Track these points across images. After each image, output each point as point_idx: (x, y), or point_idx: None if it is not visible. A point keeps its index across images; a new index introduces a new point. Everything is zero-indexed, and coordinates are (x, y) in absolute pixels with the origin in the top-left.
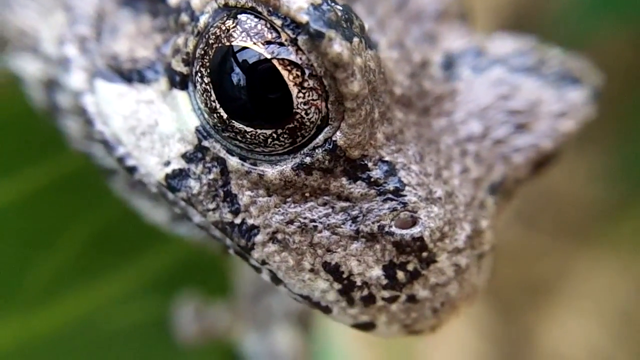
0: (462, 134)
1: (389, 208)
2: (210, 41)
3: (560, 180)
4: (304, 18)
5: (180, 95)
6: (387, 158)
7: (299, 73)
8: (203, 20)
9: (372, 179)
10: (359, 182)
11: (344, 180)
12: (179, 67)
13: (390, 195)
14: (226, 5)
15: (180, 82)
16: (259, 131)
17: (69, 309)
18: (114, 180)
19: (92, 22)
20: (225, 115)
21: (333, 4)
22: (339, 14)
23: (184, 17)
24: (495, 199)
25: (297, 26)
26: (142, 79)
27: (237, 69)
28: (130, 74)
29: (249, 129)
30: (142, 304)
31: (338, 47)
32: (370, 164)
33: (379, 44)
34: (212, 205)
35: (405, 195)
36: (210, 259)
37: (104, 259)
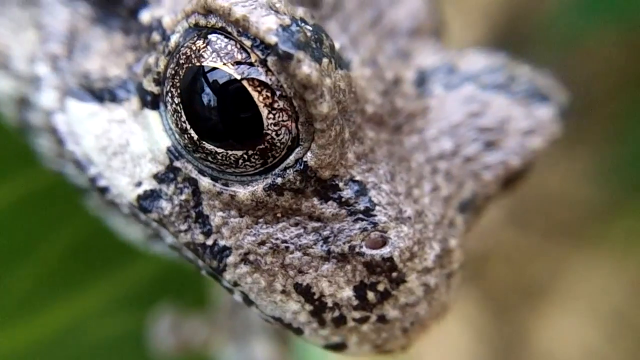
0: (434, 152)
1: (359, 228)
2: (181, 61)
3: (553, 182)
4: (272, 39)
5: (152, 115)
6: (357, 178)
7: (268, 94)
8: (174, 39)
9: (343, 199)
10: (330, 202)
11: (315, 201)
12: (150, 86)
13: (360, 215)
14: (197, 25)
15: (151, 101)
16: (229, 152)
17: (46, 322)
18: (88, 198)
19: (64, 40)
20: (195, 136)
21: (303, 24)
22: (309, 34)
23: (155, 36)
24: (464, 217)
25: (267, 47)
26: (114, 98)
27: (208, 89)
28: (102, 93)
29: (219, 150)
30: (120, 316)
31: (307, 68)
32: (341, 184)
33: (351, 61)
34: (184, 227)
35: (375, 215)
36: (187, 272)
37: (81, 271)
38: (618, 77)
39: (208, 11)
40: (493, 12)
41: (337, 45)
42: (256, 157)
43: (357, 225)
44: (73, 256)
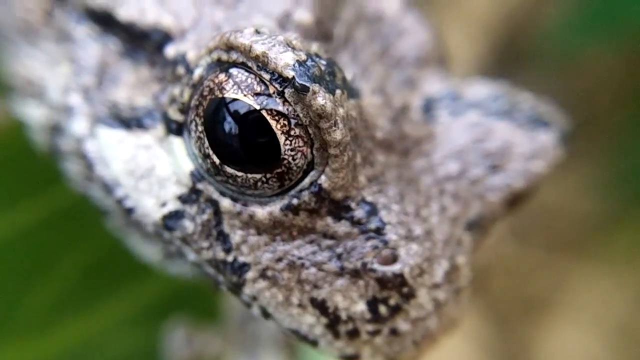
0: (440, 174)
1: (371, 246)
2: (204, 93)
3: (554, 195)
4: (290, 73)
5: (176, 142)
6: (369, 199)
7: (286, 122)
8: (198, 73)
9: (355, 219)
10: (343, 222)
11: (329, 220)
12: (175, 115)
13: (372, 234)
14: (219, 60)
15: (176, 129)
16: (249, 175)
17: (64, 338)
18: (109, 220)
19: (95, 72)
20: (217, 161)
21: (318, 58)
22: (323, 68)
23: (180, 69)
24: (471, 236)
25: (284, 80)
26: (141, 126)
27: (229, 118)
28: (130, 121)
29: (239, 174)
30: (134, 331)
31: (321, 99)
32: (353, 205)
33: (362, 90)
34: (205, 244)
35: (386, 234)
36: (198, 287)
37: (98, 288)
38: (618, 90)
39: (230, 48)
40: (492, 28)
41: (349, 76)
42: (274, 179)
43: (369, 243)
44: (90, 273)
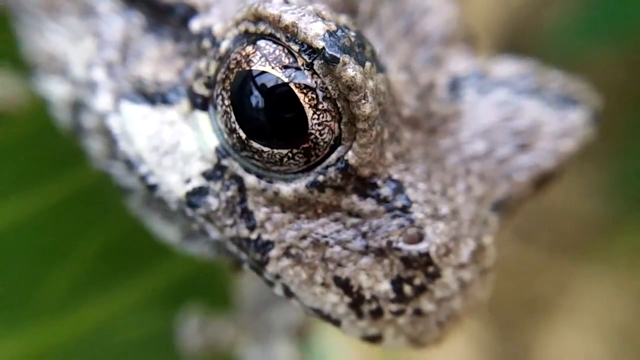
0: (467, 153)
1: (397, 224)
2: (231, 66)
3: (557, 197)
4: (320, 44)
5: (201, 117)
6: (395, 176)
7: (314, 96)
8: (224, 46)
9: (381, 197)
10: (368, 200)
11: (354, 198)
12: (201, 89)
13: (398, 212)
14: (246, 32)
15: (201, 104)
16: (275, 151)
17: (80, 321)
18: (129, 199)
19: (119, 47)
20: (244, 136)
21: (347, 30)
22: (353, 39)
23: (206, 43)
24: (498, 216)
25: (313, 51)
26: (165, 101)
27: (256, 92)
28: (154, 96)
29: (265, 149)
30: (149, 316)
31: (352, 70)
32: (379, 182)
33: (388, 67)
34: (229, 222)
35: (412, 212)
36: (214, 273)
37: (114, 272)
38: (621, 93)
39: (258, 19)
40: (494, 29)
41: (376, 50)
42: (300, 155)
43: (395, 222)
44: (107, 257)
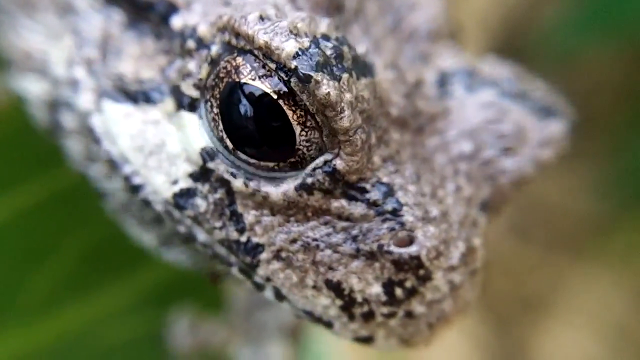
0: (454, 153)
1: (387, 228)
2: (221, 75)
3: (553, 194)
4: (292, 64)
5: (188, 117)
6: (385, 180)
7: (302, 113)
8: (215, 50)
9: (371, 200)
10: (358, 203)
11: (343, 202)
12: (189, 90)
13: (388, 216)
14: (229, 43)
15: (189, 104)
16: (262, 164)
17: (64, 324)
18: (107, 202)
19: (98, 45)
20: (231, 146)
21: (323, 42)
22: (328, 53)
23: (190, 44)
24: (485, 216)
25: (289, 70)
26: (148, 100)
27: (245, 101)
28: (136, 95)
29: (252, 161)
30: (137, 318)
31: (325, 88)
32: (368, 186)
33: (375, 65)
34: (218, 224)
35: (403, 215)
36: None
37: (98, 273)
38: (617, 90)
39: (237, 34)
40: (491, 26)
41: (362, 50)
42: (287, 167)
43: (385, 225)
44: (91, 258)
